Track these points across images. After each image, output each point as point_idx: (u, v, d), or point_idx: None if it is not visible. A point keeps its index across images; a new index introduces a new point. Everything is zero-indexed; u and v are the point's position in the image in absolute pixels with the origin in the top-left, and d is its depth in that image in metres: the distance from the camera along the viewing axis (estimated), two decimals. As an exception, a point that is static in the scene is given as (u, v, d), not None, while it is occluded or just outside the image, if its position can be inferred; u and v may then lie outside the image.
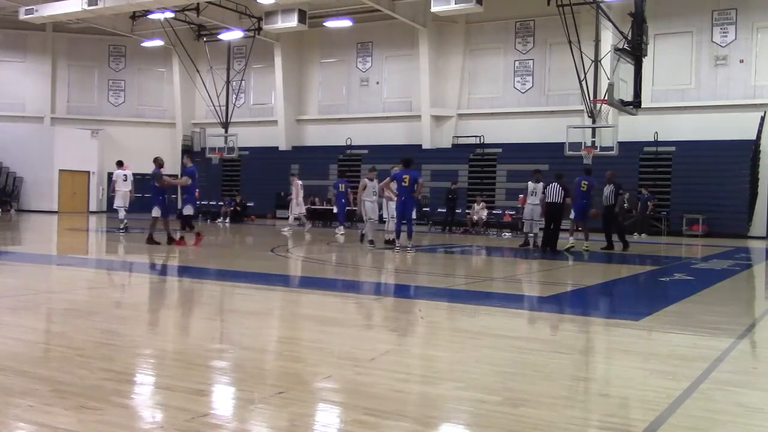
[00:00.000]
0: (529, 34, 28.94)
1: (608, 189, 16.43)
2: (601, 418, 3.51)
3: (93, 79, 35.75)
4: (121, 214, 18.44)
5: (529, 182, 16.55)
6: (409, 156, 15.79)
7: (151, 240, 14.04)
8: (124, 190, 18.31)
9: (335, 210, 21.43)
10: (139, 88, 36.11)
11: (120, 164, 18.70)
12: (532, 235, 16.55)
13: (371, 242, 15.06)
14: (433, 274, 10.89)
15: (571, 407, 3.66)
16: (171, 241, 13.92)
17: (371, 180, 16.50)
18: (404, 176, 14.09)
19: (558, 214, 15.57)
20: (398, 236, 14.23)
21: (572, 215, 15.95)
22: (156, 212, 14.29)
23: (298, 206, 20.99)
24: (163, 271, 10.78)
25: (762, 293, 10.67)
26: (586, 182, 15.85)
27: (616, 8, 23.20)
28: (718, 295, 8.95)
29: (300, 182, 21.22)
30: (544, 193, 15.64)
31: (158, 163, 14.63)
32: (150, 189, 15.04)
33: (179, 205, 21.03)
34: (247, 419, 3.38)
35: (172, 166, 35.43)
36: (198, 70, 30.81)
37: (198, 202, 30.00)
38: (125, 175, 18.44)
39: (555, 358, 4.80)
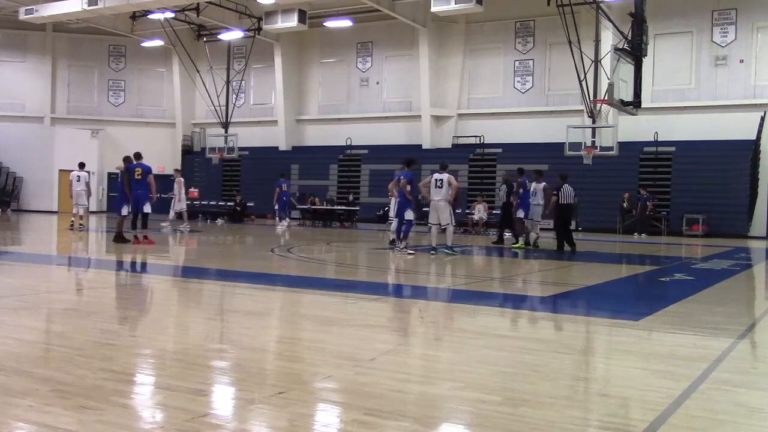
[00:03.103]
0: (529, 34, 28.94)
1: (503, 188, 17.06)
2: (601, 418, 3.51)
3: (93, 79, 35.75)
4: (79, 211, 18.95)
5: (533, 183, 16.52)
6: (412, 156, 15.59)
7: (120, 238, 14.16)
8: (77, 190, 18.88)
9: (276, 207, 23.29)
10: (139, 88, 36.10)
11: (81, 166, 19.53)
12: (533, 235, 16.54)
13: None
14: (433, 274, 10.89)
15: (571, 407, 3.65)
16: (120, 238, 14.14)
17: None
18: (400, 177, 13.93)
19: (571, 215, 15.65)
20: (398, 237, 14.07)
21: (523, 214, 16.25)
22: (124, 211, 14.47)
23: (179, 202, 21.49)
24: (162, 271, 10.78)
25: (762, 293, 10.67)
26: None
27: (616, 8, 23.19)
28: (718, 295, 8.95)
29: (182, 180, 21.75)
30: (557, 194, 15.49)
31: (126, 161, 14.70)
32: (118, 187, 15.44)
33: (177, 206, 21.42)
34: (247, 419, 3.38)
35: (172, 166, 35.47)
36: (198, 70, 30.81)
37: (192, 203, 30.19)
38: (78, 176, 19.07)
39: (555, 358, 4.80)
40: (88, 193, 19.26)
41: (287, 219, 23.20)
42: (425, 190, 13.98)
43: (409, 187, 13.64)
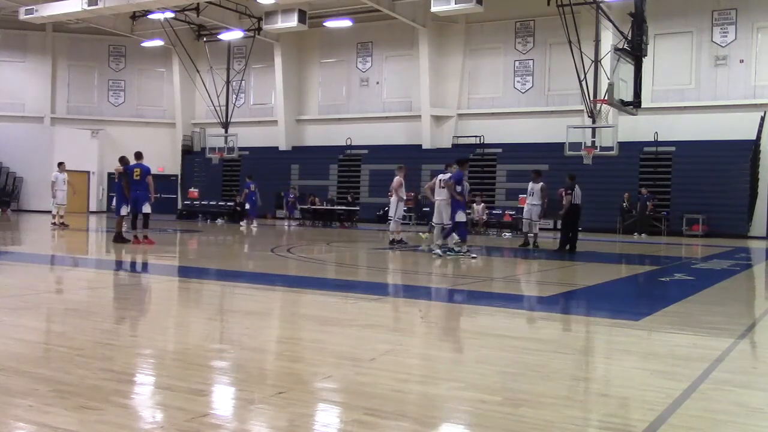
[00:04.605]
0: (529, 34, 28.95)
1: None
2: (601, 418, 3.51)
3: (93, 79, 35.75)
4: (59, 210, 19.73)
5: (530, 183, 16.54)
6: (464, 156, 15.14)
7: (119, 239, 14.20)
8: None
9: (247, 206, 24.79)
10: (139, 88, 36.11)
11: (59, 165, 20.49)
12: (532, 235, 16.55)
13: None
14: (433, 273, 10.89)
15: (571, 407, 3.65)
16: (120, 239, 14.20)
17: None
18: (442, 178, 13.44)
19: (580, 215, 15.65)
20: (461, 238, 13.27)
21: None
22: (123, 211, 14.54)
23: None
24: (162, 270, 10.78)
25: (762, 293, 10.67)
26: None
27: (616, 8, 23.20)
28: (718, 295, 8.95)
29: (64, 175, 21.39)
30: (570, 194, 15.39)
31: (123, 161, 14.76)
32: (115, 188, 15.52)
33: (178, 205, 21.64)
34: (247, 419, 3.38)
35: (172, 166, 35.56)
36: (198, 70, 30.82)
37: (192, 203, 30.25)
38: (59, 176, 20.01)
39: (555, 358, 4.80)
40: (52, 193, 19.85)
41: (254, 219, 24.31)
42: (428, 192, 13.81)
43: (459, 188, 13.03)
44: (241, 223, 24.72)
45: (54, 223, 19.69)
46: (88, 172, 33.89)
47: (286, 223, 27.21)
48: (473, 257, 12.86)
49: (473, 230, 23.51)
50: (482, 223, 23.77)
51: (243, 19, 30.14)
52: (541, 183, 16.33)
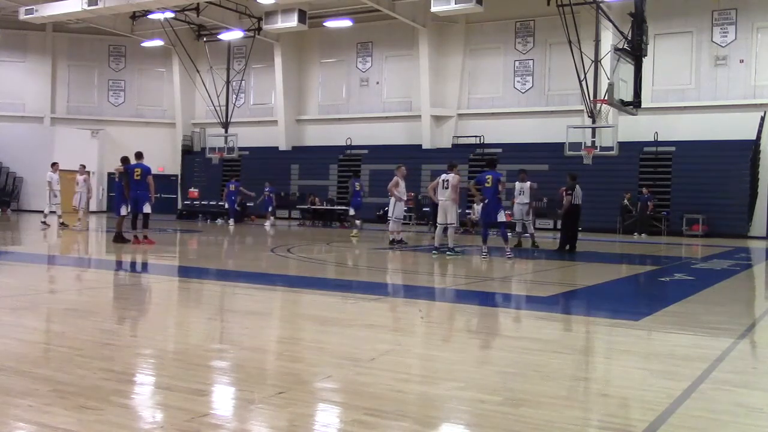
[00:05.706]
0: (529, 34, 28.95)
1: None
2: (601, 418, 3.51)
3: (93, 79, 35.75)
4: (48, 209, 20.19)
5: (516, 182, 16.55)
6: (493, 156, 15.20)
7: (119, 238, 14.22)
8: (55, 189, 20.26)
9: (226, 206, 25.93)
10: (139, 88, 36.11)
11: (52, 165, 20.88)
12: (527, 235, 16.55)
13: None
14: (433, 274, 10.89)
15: (571, 407, 3.66)
16: (120, 238, 14.22)
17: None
18: (487, 177, 12.93)
19: (580, 215, 15.71)
20: (484, 242, 13.09)
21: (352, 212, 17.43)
22: (123, 211, 14.59)
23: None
24: (162, 270, 10.78)
25: (762, 293, 10.67)
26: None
27: (616, 8, 23.21)
28: (718, 295, 8.95)
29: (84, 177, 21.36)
30: (571, 194, 15.35)
31: (124, 161, 14.78)
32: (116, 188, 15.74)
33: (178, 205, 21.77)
34: (247, 419, 3.38)
35: (172, 166, 35.55)
36: (198, 70, 30.82)
37: (192, 203, 30.36)
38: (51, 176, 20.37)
39: (555, 358, 4.80)
40: (51, 193, 20.07)
41: (232, 219, 25.19)
42: (431, 192, 13.80)
43: (501, 187, 12.93)
44: (229, 223, 25.25)
45: (51, 223, 19.77)
46: (88, 172, 33.78)
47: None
48: (510, 257, 12.86)
49: (473, 230, 23.54)
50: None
51: (243, 19, 30.15)
52: (529, 182, 16.36)
